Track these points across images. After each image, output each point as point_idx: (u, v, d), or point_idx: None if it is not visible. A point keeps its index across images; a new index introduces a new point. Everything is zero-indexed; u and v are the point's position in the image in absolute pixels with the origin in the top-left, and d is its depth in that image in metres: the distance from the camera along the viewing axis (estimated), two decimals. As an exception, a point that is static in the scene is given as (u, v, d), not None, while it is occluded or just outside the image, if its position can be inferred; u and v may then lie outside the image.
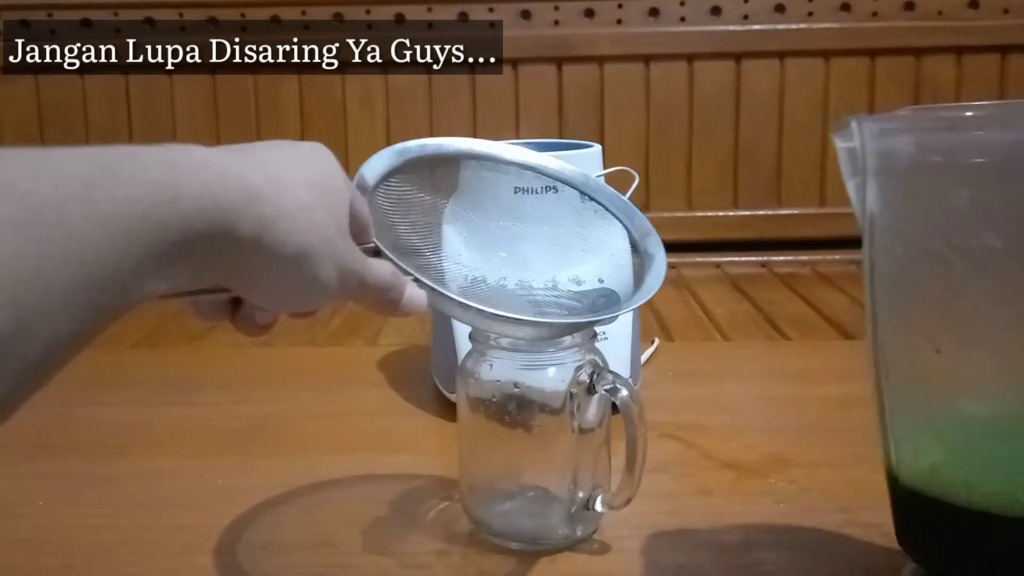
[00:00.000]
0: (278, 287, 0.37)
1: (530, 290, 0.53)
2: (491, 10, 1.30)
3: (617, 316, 0.49)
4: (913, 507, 0.44)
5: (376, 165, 0.47)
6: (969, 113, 0.41)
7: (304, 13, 1.30)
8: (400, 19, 1.30)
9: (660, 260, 0.51)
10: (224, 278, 0.35)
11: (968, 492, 0.41)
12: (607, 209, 0.54)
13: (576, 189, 0.54)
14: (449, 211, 0.54)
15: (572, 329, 0.49)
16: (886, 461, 0.45)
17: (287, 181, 0.35)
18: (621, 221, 0.53)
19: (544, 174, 0.55)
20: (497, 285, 0.53)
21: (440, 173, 0.52)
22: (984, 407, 0.42)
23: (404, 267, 0.43)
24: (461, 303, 0.44)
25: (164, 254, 0.30)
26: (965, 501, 0.41)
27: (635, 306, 0.49)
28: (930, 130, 0.41)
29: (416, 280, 0.43)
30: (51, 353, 0.27)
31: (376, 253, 0.42)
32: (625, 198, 0.55)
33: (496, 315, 0.45)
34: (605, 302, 0.61)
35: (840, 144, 0.42)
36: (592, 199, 0.54)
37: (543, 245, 0.54)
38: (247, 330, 0.42)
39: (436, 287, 0.44)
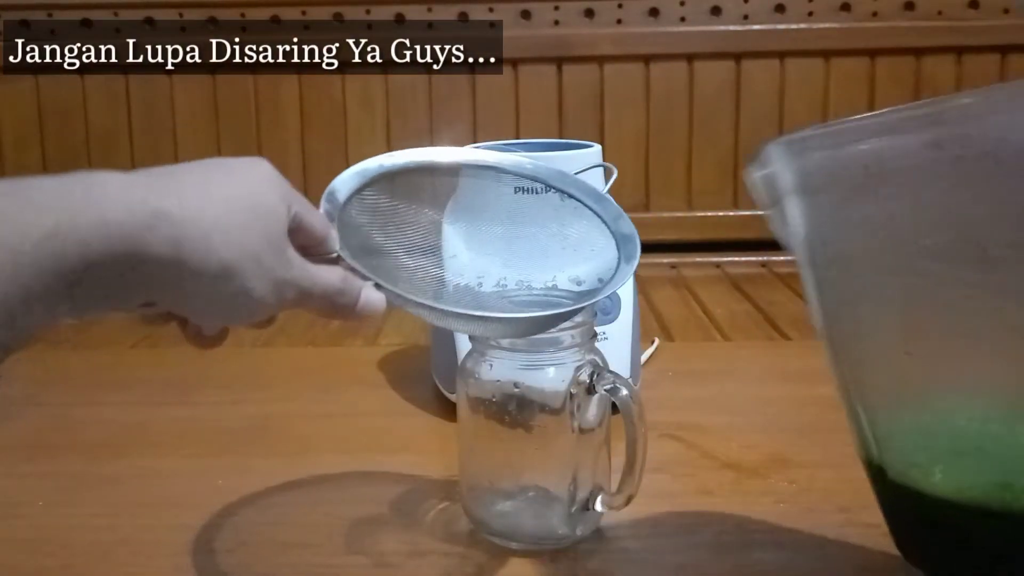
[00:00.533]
0: (210, 304, 0.37)
1: (529, 290, 0.53)
2: (491, 10, 1.30)
3: (586, 306, 0.49)
4: (906, 508, 0.44)
5: (339, 187, 0.47)
6: (888, 118, 0.39)
7: (304, 13, 1.30)
8: (400, 19, 1.30)
9: (634, 243, 0.51)
10: (150, 296, 0.36)
11: (958, 489, 0.41)
12: (574, 197, 0.53)
13: (543, 182, 0.54)
14: (449, 212, 0.54)
15: (541, 325, 0.48)
16: (867, 459, 0.45)
17: (203, 203, 0.35)
18: (589, 207, 0.53)
19: (504, 171, 0.54)
20: (496, 287, 0.53)
21: (417, 183, 0.52)
22: (964, 404, 0.42)
23: (364, 272, 0.43)
24: (423, 304, 0.45)
25: (60, 282, 0.31)
26: (957, 498, 0.41)
27: (608, 293, 0.48)
28: (851, 141, 0.39)
29: (378, 285, 0.44)
30: None
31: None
32: (604, 190, 0.55)
33: (460, 314, 0.45)
34: (605, 302, 0.61)
35: (755, 175, 0.42)
36: (560, 190, 0.54)
37: (541, 245, 0.54)
38: (196, 341, 0.43)
39: (396, 290, 0.44)
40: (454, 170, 0.53)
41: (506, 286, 0.53)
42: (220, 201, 0.36)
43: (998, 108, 0.35)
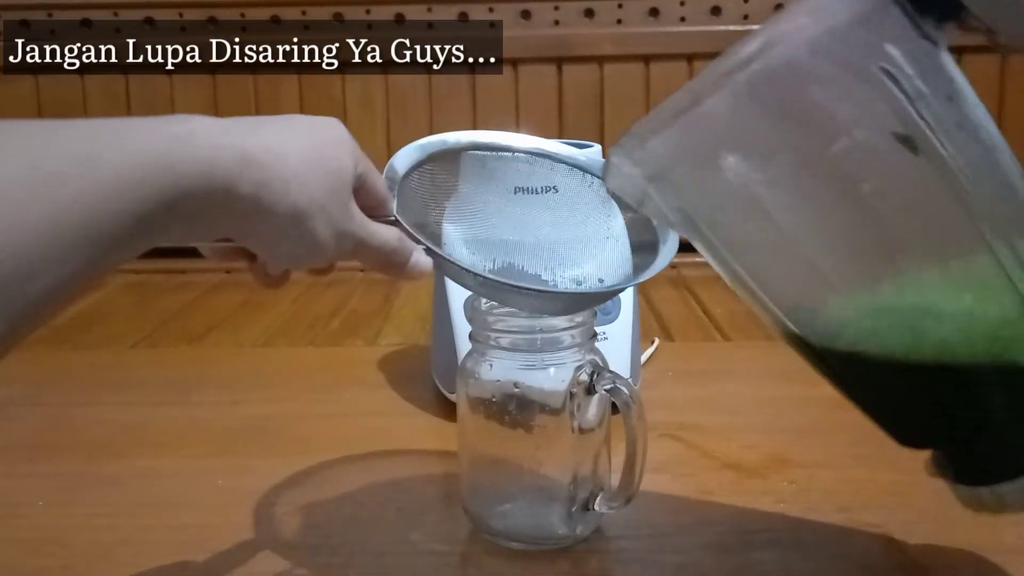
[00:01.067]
0: (279, 243, 0.41)
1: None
2: (491, 10, 1.30)
3: (631, 286, 0.50)
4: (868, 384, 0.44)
5: (402, 158, 0.52)
6: (693, 85, 0.42)
7: (304, 13, 1.30)
8: (400, 19, 1.30)
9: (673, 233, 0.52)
10: (227, 231, 0.39)
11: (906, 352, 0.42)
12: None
13: (593, 173, 0.56)
14: (450, 211, 0.54)
15: (579, 304, 0.50)
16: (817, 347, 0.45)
17: (281, 151, 0.39)
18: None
19: (558, 160, 0.57)
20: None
21: (474, 163, 0.56)
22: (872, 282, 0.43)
23: (416, 236, 0.47)
24: (469, 271, 0.47)
25: (158, 214, 0.34)
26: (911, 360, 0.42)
27: (654, 272, 0.50)
28: (676, 116, 0.42)
29: (428, 250, 0.47)
30: (56, 291, 0.32)
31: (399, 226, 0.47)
32: None
33: (502, 283, 0.47)
34: (607, 303, 0.61)
35: (611, 184, 0.45)
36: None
37: (543, 245, 0.54)
38: (262, 279, 0.47)
39: (445, 255, 0.47)
40: (510, 153, 0.56)
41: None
42: (298, 152, 0.40)
43: (757, 36, 0.38)
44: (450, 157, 0.54)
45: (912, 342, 0.41)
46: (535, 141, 0.57)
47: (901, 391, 0.44)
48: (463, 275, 0.48)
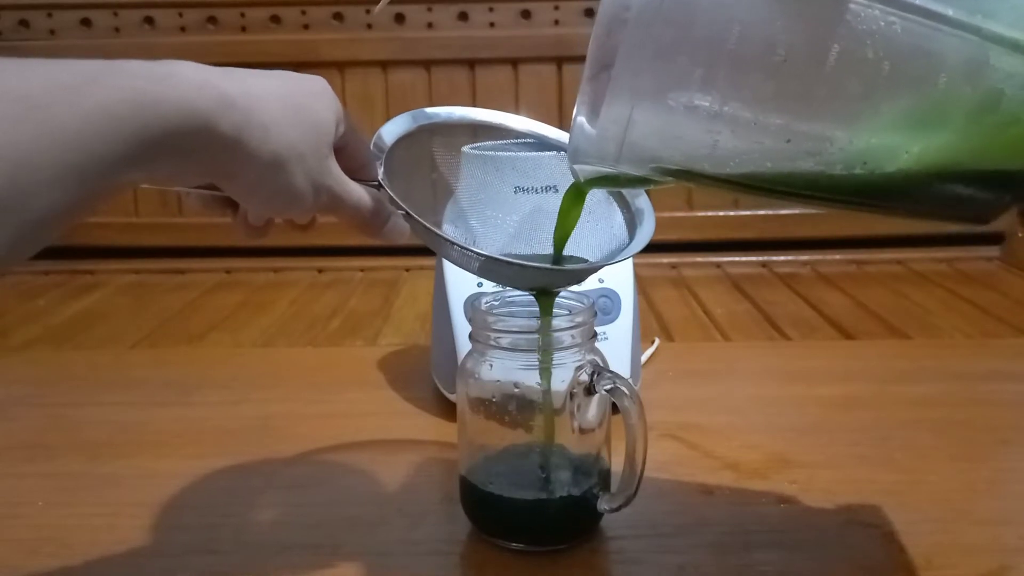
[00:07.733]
0: (257, 187, 0.42)
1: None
2: (491, 10, 1.30)
3: (612, 264, 0.51)
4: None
5: (391, 128, 0.53)
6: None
7: (304, 13, 1.30)
8: (400, 19, 1.30)
9: (649, 213, 0.53)
10: (211, 174, 0.40)
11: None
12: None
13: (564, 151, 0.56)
14: (449, 211, 0.54)
15: (559, 279, 0.50)
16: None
17: (260, 96, 0.40)
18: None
19: (548, 142, 0.57)
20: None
21: (460, 141, 0.56)
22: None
23: (398, 201, 0.47)
24: (447, 239, 0.47)
25: (142, 150, 0.35)
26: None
27: (631, 255, 0.51)
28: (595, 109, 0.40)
29: (407, 216, 0.47)
30: (49, 217, 0.33)
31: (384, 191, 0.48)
32: None
33: (477, 254, 0.47)
34: (605, 302, 0.61)
35: (581, 172, 0.44)
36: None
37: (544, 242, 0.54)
38: (244, 230, 0.47)
39: (424, 222, 0.47)
40: (501, 133, 0.57)
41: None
42: (277, 99, 0.41)
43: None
44: (439, 132, 0.55)
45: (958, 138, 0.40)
46: (529, 123, 0.58)
47: (963, 183, 0.42)
48: (442, 244, 0.48)
